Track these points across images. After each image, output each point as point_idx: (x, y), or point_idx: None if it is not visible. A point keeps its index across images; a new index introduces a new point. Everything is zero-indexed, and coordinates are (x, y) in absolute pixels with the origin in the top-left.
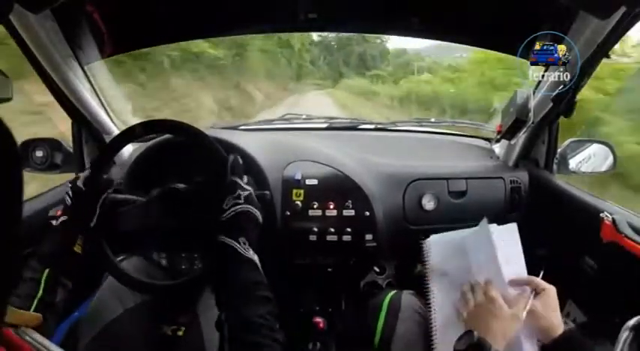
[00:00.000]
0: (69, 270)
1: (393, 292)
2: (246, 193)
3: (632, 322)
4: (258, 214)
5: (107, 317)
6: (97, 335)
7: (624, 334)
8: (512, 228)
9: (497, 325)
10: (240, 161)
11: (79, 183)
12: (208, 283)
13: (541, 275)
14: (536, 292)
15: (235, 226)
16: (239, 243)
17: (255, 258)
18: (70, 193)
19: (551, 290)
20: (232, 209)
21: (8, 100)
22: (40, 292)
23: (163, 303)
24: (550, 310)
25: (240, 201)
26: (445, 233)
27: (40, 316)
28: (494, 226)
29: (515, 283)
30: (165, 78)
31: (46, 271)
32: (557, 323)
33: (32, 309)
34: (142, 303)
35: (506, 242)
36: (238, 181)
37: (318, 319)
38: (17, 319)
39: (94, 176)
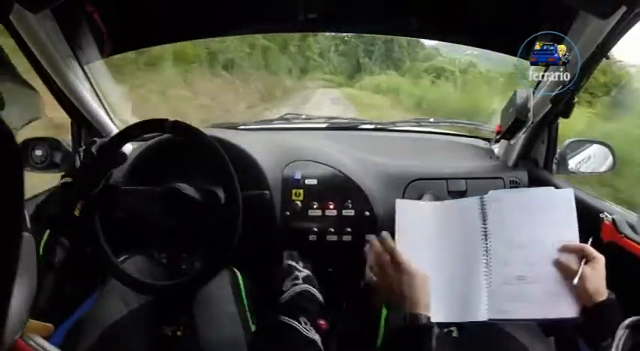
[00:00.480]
0: (68, 232)
1: None
2: (304, 274)
3: (627, 321)
4: (318, 294)
5: (111, 318)
6: (101, 336)
7: (620, 333)
8: (569, 193)
9: (413, 291)
10: (295, 253)
11: (94, 149)
12: (207, 283)
13: (590, 242)
14: (587, 259)
15: (295, 306)
16: (300, 323)
17: (317, 338)
18: (82, 155)
19: (601, 259)
20: (291, 290)
21: (37, 119)
22: (40, 252)
23: (165, 303)
24: (598, 277)
25: (298, 281)
26: (505, 190)
27: (52, 327)
28: (551, 190)
29: (568, 248)
30: None
31: (47, 232)
32: (602, 290)
33: None
34: (145, 304)
35: (562, 207)
36: (294, 263)
37: (321, 321)
38: (29, 328)
39: (110, 146)
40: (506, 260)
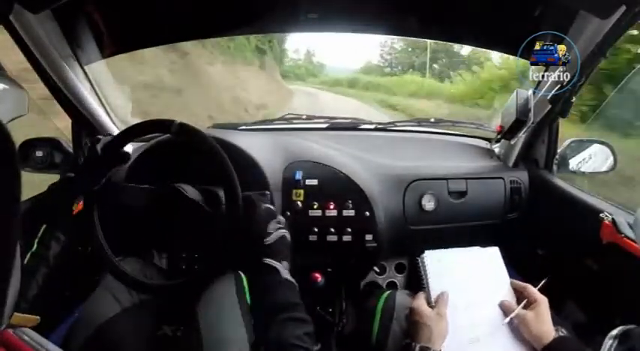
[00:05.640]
0: (65, 227)
1: (387, 293)
2: (282, 218)
3: (615, 331)
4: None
5: (103, 316)
6: (93, 334)
7: (608, 343)
8: (494, 250)
9: (426, 331)
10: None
11: (98, 146)
12: (208, 283)
13: (541, 284)
14: (530, 301)
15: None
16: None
17: (294, 280)
18: (86, 152)
19: (543, 301)
20: (276, 233)
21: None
22: (35, 246)
23: (163, 303)
24: (542, 320)
25: (281, 225)
26: (438, 251)
27: (37, 318)
28: (478, 249)
29: (512, 287)
30: None
31: (43, 226)
32: (548, 331)
33: (25, 261)
34: (139, 302)
35: (492, 264)
36: (272, 207)
37: (316, 274)
38: (15, 319)
39: (115, 145)
40: (455, 325)
